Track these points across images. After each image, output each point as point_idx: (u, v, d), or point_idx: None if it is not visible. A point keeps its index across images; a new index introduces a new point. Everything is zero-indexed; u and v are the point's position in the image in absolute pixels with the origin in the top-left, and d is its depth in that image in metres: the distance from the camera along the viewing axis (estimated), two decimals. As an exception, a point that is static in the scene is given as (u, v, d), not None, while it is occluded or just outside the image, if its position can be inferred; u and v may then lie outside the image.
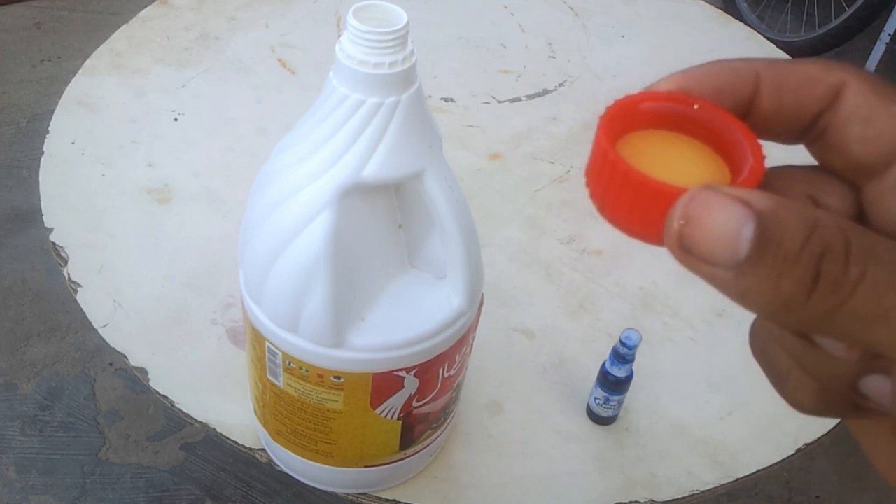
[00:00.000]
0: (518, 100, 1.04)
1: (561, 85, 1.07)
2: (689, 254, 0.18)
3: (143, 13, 1.12)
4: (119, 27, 1.08)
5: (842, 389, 0.20)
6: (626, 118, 0.21)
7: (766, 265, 0.17)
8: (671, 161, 0.21)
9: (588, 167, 0.21)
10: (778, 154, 0.22)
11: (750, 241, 0.17)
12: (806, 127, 0.22)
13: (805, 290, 0.17)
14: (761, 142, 0.21)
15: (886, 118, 0.20)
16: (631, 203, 0.20)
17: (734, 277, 0.18)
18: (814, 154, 0.22)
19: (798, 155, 0.23)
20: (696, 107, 0.21)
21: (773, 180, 0.22)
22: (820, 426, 0.70)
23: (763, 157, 0.20)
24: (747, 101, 0.22)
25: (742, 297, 0.18)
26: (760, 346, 0.23)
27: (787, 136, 0.22)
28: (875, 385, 0.20)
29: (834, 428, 0.71)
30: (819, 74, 0.21)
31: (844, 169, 0.21)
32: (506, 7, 1.22)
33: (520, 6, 1.22)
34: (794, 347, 0.21)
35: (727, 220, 0.18)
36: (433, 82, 1.05)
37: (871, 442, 0.22)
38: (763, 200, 0.18)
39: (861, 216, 0.21)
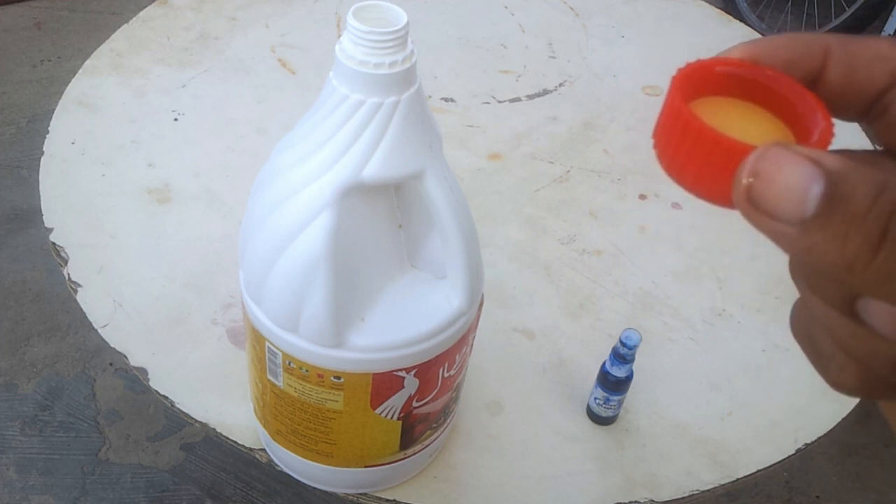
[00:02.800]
0: (518, 100, 1.04)
1: (561, 85, 1.07)
2: (757, 209, 0.18)
3: (143, 13, 1.12)
4: (119, 27, 1.08)
5: (884, 370, 0.21)
6: (698, 81, 0.22)
7: (833, 223, 0.17)
8: (740, 125, 0.22)
9: (658, 126, 0.21)
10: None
11: (818, 199, 0.17)
12: (870, 103, 0.22)
13: (871, 250, 0.17)
14: None
15: None
16: (701, 160, 0.20)
17: (800, 234, 0.18)
18: (874, 131, 0.22)
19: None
20: (766, 74, 0.22)
21: None
22: (820, 426, 0.71)
23: (832, 124, 0.20)
24: (815, 73, 0.22)
25: (807, 254, 0.18)
26: (803, 327, 0.23)
27: (849, 111, 0.22)
28: None
29: (834, 428, 0.71)
30: (889, 51, 0.21)
31: None
32: (506, 7, 1.22)
33: (520, 6, 1.22)
34: (839, 327, 0.21)
35: (797, 177, 0.18)
36: (433, 82, 1.05)
37: None
38: (833, 160, 0.18)
39: None
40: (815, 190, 0.17)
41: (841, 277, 0.18)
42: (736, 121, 0.22)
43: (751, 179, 0.18)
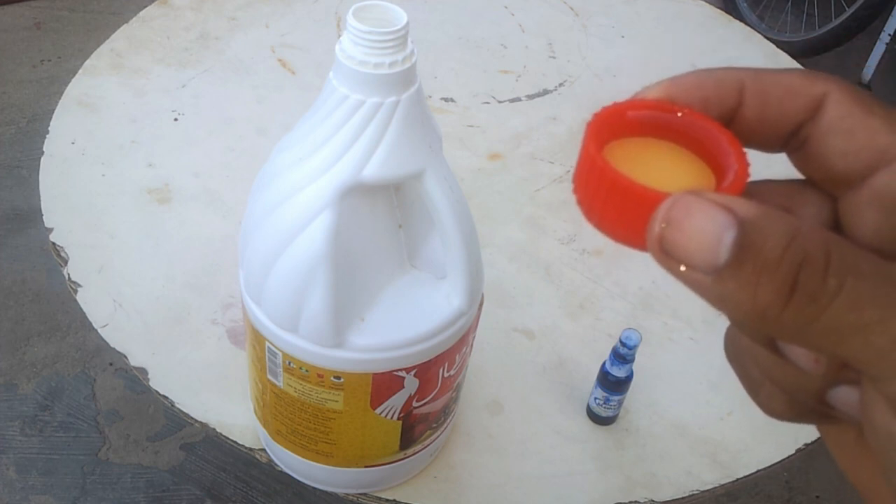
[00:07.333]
0: (518, 100, 1.04)
1: (561, 85, 1.07)
2: (670, 257, 0.18)
3: (143, 13, 1.12)
4: (119, 27, 1.08)
5: (809, 400, 0.21)
6: (613, 125, 0.22)
7: (745, 272, 0.17)
8: (657, 168, 0.21)
9: (575, 173, 0.21)
10: (758, 164, 0.22)
11: (730, 247, 0.17)
12: (787, 137, 0.22)
13: (782, 300, 0.17)
14: (746, 150, 0.21)
15: (866, 131, 0.20)
16: (617, 207, 0.20)
17: (713, 282, 0.18)
18: (794, 163, 0.22)
19: (779, 165, 0.23)
20: (679, 114, 0.21)
21: (750, 194, 0.21)
22: (820, 426, 0.70)
23: (747, 165, 0.20)
24: (732, 110, 0.22)
25: (720, 302, 0.18)
26: (734, 355, 0.23)
27: (769, 145, 0.22)
28: (841, 396, 0.20)
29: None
30: (801, 86, 0.21)
31: (823, 179, 0.22)
32: (506, 7, 1.22)
33: (520, 6, 1.22)
34: (763, 360, 0.21)
35: (709, 225, 0.17)
36: (433, 82, 1.05)
37: (836, 446, 0.22)
38: (746, 208, 0.18)
39: (836, 227, 0.21)
40: (728, 238, 0.17)
41: (754, 326, 0.18)
42: (653, 164, 0.22)
43: (663, 226, 0.18)
